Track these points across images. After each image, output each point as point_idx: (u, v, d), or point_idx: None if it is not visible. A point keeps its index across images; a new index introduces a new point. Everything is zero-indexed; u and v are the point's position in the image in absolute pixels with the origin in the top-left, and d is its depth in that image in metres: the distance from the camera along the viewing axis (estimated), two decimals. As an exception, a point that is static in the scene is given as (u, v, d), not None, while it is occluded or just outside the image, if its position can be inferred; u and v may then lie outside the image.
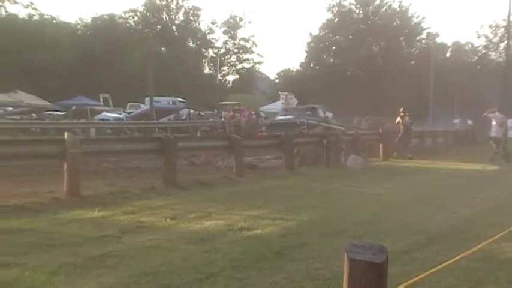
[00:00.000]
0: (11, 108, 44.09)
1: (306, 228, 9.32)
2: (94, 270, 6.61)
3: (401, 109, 29.50)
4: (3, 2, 75.58)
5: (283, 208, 11.41)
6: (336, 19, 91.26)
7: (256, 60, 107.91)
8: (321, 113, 50.04)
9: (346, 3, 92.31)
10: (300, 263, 7.10)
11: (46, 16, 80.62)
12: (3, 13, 75.88)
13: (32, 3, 79.54)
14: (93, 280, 6.21)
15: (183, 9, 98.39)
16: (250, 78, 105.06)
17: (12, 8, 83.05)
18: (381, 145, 27.01)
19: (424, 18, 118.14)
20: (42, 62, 66.79)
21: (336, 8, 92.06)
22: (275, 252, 7.60)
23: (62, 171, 12.32)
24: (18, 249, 7.39)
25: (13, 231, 8.66)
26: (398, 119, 29.45)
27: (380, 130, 29.87)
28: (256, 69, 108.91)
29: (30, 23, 75.22)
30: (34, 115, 44.55)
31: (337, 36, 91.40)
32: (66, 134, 12.65)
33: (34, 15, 79.13)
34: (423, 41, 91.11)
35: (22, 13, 79.32)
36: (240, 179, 16.70)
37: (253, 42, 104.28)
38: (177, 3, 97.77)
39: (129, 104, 60.97)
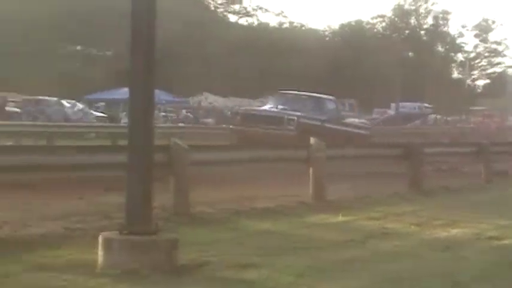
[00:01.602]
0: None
1: None
2: (338, 274, 6.65)
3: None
4: (256, 11, 79.18)
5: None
6: None
7: (508, 64, 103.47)
8: (330, 107, 25.78)
9: None
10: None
11: (295, 24, 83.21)
12: (256, 22, 79.50)
13: (283, 12, 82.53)
14: (337, 284, 6.25)
15: (432, 14, 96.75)
16: (501, 83, 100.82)
17: (263, 17, 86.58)
18: None
19: None
20: (291, 68, 68.76)
21: None
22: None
23: (307, 175, 12.53)
24: (264, 251, 7.60)
25: (261, 233, 8.95)
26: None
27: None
28: (508, 73, 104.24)
29: (280, 31, 77.98)
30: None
31: None
32: (312, 139, 12.86)
33: (284, 23, 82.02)
34: None
35: (273, 21, 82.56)
36: (489, 186, 16.05)
37: (506, 46, 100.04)
38: (426, 7, 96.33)
39: (375, 109, 61.00)
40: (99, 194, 11.60)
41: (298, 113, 22.83)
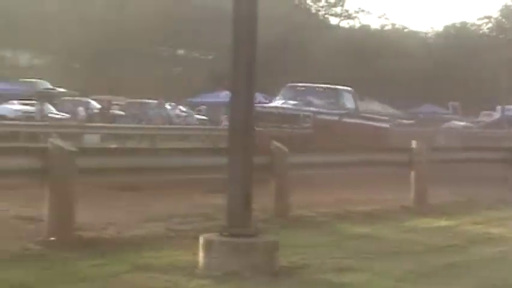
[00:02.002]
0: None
1: None
2: (439, 279, 6.54)
3: None
4: (358, 13, 78.82)
5: None
6: None
7: None
8: (348, 102, 22.54)
9: None
10: None
11: (398, 26, 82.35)
12: (357, 24, 79.17)
13: (384, 14, 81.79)
14: (438, 289, 6.15)
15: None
16: None
17: (365, 19, 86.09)
18: None
19: None
20: (392, 70, 68.05)
21: None
22: None
23: (407, 179, 12.35)
24: (364, 255, 7.55)
25: (360, 237, 8.89)
26: None
27: None
28: None
29: (382, 33, 77.34)
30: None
31: None
32: (413, 142, 12.69)
33: (386, 25, 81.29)
34: None
35: (375, 24, 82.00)
36: None
37: None
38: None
39: (482, 112, 59.50)
40: (201, 195, 11.77)
41: (314, 109, 20.53)
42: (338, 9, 80.00)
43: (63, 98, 44.62)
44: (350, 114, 21.18)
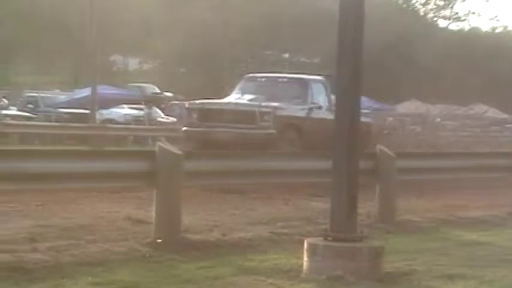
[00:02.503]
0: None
1: None
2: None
3: None
4: (467, 16, 77.23)
5: None
6: None
7: None
8: (319, 94, 18.12)
9: None
10: None
11: (510, 28, 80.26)
12: (467, 27, 77.54)
13: (496, 16, 79.75)
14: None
15: None
16: None
17: (475, 22, 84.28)
18: None
19: None
20: (506, 73, 66.17)
21: None
22: None
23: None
24: (473, 262, 7.35)
25: (469, 244, 8.67)
26: None
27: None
28: None
29: (493, 35, 75.45)
30: (494, 127, 44.38)
31: None
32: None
33: (497, 27, 79.29)
34: None
35: (485, 26, 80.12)
36: None
37: None
38: None
39: None
40: (305, 199, 11.76)
41: (275, 104, 16.57)
42: (447, 12, 78.62)
43: (170, 102, 45.45)
44: (321, 108, 17.20)
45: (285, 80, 18.76)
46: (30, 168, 7.09)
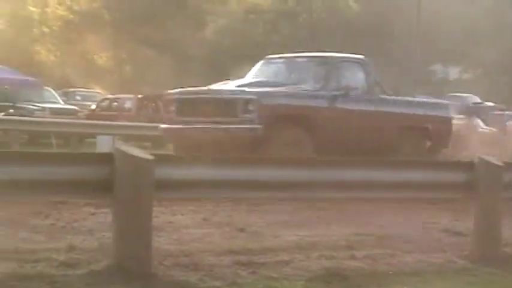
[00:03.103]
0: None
1: None
2: None
3: None
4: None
5: None
6: None
7: None
8: (354, 77, 13.59)
9: None
10: None
11: None
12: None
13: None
14: None
15: None
16: None
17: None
18: None
19: None
20: None
21: None
22: None
23: None
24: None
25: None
26: None
27: None
28: None
29: None
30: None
31: None
32: None
33: None
34: None
35: None
36: None
37: None
38: None
39: None
40: None
41: (265, 89, 12.50)
42: None
43: (491, 112, 44.28)
44: (354, 95, 13.24)
45: (305, 60, 14.61)
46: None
